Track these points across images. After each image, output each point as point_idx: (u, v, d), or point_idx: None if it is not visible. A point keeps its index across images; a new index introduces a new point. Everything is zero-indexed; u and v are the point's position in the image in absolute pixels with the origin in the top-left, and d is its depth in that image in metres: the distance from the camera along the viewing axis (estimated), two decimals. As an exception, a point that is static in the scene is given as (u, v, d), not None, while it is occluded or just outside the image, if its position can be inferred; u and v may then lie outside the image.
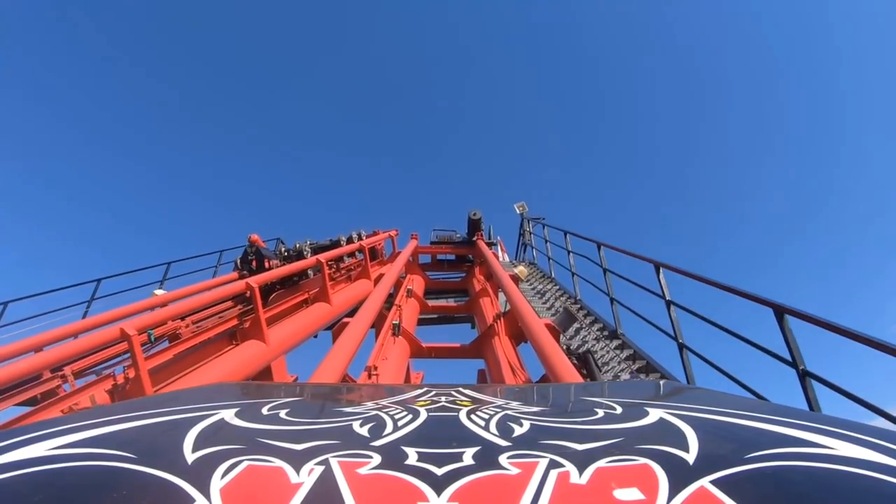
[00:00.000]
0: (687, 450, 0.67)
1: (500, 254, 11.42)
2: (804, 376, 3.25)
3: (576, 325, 6.77)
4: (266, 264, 7.92)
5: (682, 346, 4.80)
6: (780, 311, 3.42)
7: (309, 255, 8.23)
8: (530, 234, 12.54)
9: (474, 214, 10.43)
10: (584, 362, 4.73)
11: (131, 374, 4.16)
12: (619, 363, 5.69)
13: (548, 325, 4.01)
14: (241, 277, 7.34)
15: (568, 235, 8.85)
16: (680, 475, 0.57)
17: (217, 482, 0.56)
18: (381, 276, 6.94)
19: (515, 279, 6.71)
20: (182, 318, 5.96)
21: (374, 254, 9.76)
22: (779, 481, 0.58)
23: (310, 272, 7.75)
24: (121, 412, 0.89)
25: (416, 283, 8.39)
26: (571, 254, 8.49)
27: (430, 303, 8.24)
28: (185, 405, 0.98)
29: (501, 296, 6.77)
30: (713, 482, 0.55)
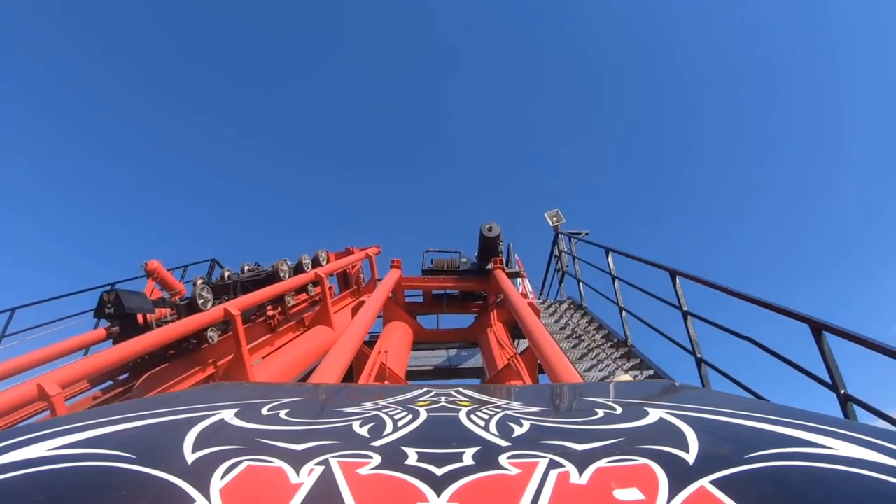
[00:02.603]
0: (687, 450, 0.67)
1: (522, 285, 8.16)
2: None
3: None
4: (140, 320, 4.46)
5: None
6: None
7: (209, 303, 4.54)
8: (572, 257, 8.02)
9: (489, 230, 6.57)
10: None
11: None
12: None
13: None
14: (111, 335, 4.76)
15: (610, 254, 6.31)
16: (680, 475, 0.57)
17: (217, 482, 0.56)
18: (360, 303, 4.47)
19: None
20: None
21: (346, 281, 7.41)
22: (779, 481, 0.58)
23: (209, 335, 4.65)
24: (121, 412, 0.89)
25: (399, 335, 5.65)
26: (617, 280, 6.11)
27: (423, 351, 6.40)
28: (185, 405, 0.98)
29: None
30: (713, 482, 0.55)
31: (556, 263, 8.88)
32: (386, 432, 0.81)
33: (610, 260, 6.35)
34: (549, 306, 7.66)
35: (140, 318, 4.45)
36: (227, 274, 5.93)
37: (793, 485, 0.57)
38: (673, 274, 4.79)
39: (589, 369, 5.25)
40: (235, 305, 4.25)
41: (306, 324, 6.06)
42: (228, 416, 0.90)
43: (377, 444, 0.74)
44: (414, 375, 6.24)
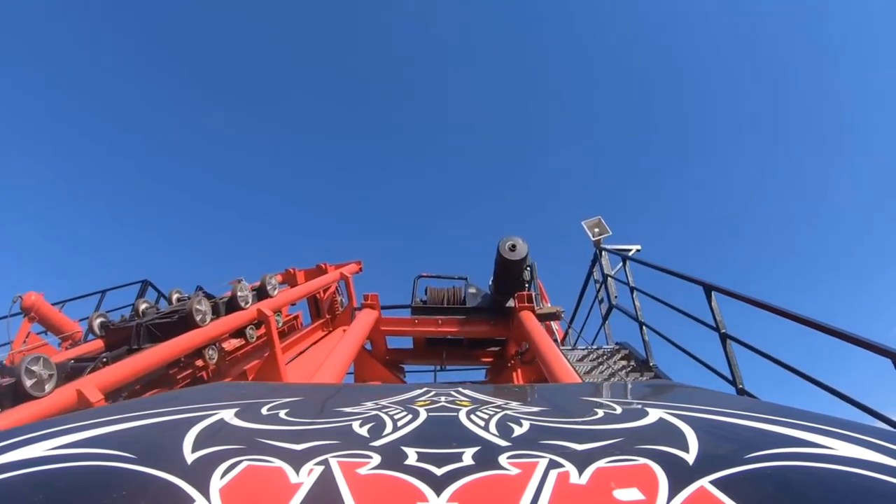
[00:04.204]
0: (687, 450, 0.67)
1: (558, 330, 6.02)
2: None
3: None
4: None
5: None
6: None
7: (46, 384, 2.33)
8: (631, 288, 4.99)
9: (512, 248, 4.74)
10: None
11: None
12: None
13: None
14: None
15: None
16: (680, 475, 0.57)
17: (217, 482, 0.56)
18: (338, 329, 3.54)
19: None
20: None
21: (317, 307, 5.48)
22: (778, 481, 0.58)
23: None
24: (120, 412, 0.89)
25: None
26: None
27: None
28: (185, 405, 0.98)
29: None
30: (713, 482, 0.55)
31: (598, 293, 5.83)
32: (386, 432, 0.81)
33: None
34: (592, 357, 4.87)
35: None
36: (142, 307, 3.98)
37: (792, 485, 0.57)
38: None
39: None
40: (167, 353, 2.94)
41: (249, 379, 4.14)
42: (228, 415, 0.90)
43: (377, 443, 0.74)
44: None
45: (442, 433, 0.86)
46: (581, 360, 4.72)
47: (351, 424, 0.86)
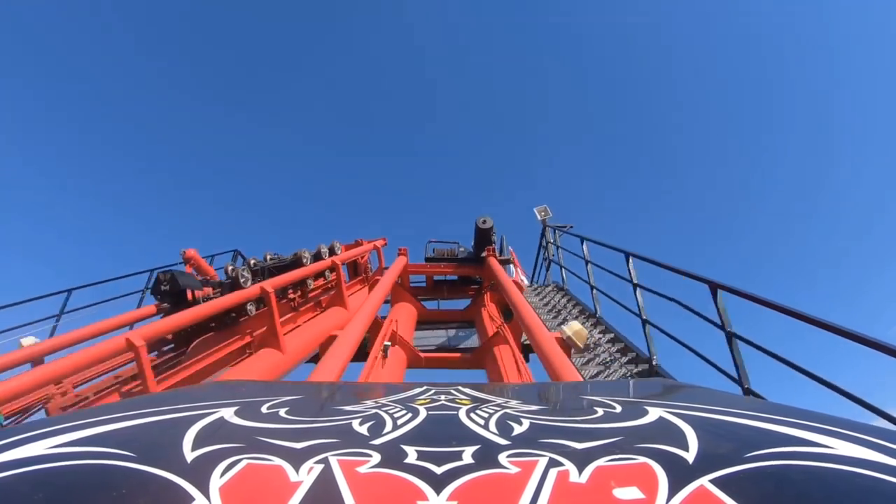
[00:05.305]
0: (686, 449, 0.67)
1: (515, 272, 8.77)
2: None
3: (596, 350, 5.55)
4: (189, 296, 5.29)
5: (748, 392, 3.53)
6: None
7: (248, 282, 5.45)
8: (556, 246, 8.84)
9: (483, 222, 7.64)
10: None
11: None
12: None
13: (557, 339, 3.42)
14: (161, 311, 5.55)
15: (585, 243, 6.99)
16: (679, 474, 0.57)
17: (216, 481, 0.56)
18: (376, 282, 5.73)
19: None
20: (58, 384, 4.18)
21: (355, 269, 8.18)
22: (778, 480, 0.58)
23: (248, 308, 5.41)
24: (120, 411, 0.89)
25: (405, 314, 6.67)
26: (589, 264, 6.77)
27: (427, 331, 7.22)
28: (185, 404, 0.98)
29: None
30: (713, 481, 0.55)
31: (544, 253, 9.77)
32: (385, 431, 0.81)
33: (583, 247, 7.04)
34: (536, 289, 8.61)
35: (189, 294, 5.30)
36: (252, 262, 6.47)
37: (793, 484, 0.57)
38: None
39: (559, 324, 6.35)
40: (270, 284, 5.03)
41: (323, 305, 6.91)
42: (228, 414, 0.90)
43: (377, 442, 0.74)
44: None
45: (442, 432, 0.86)
46: (530, 288, 8.53)
47: (351, 423, 0.86)
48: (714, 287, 3.82)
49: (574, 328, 3.85)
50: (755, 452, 0.64)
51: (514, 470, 0.61)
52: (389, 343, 5.06)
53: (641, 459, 0.63)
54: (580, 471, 0.60)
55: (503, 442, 0.74)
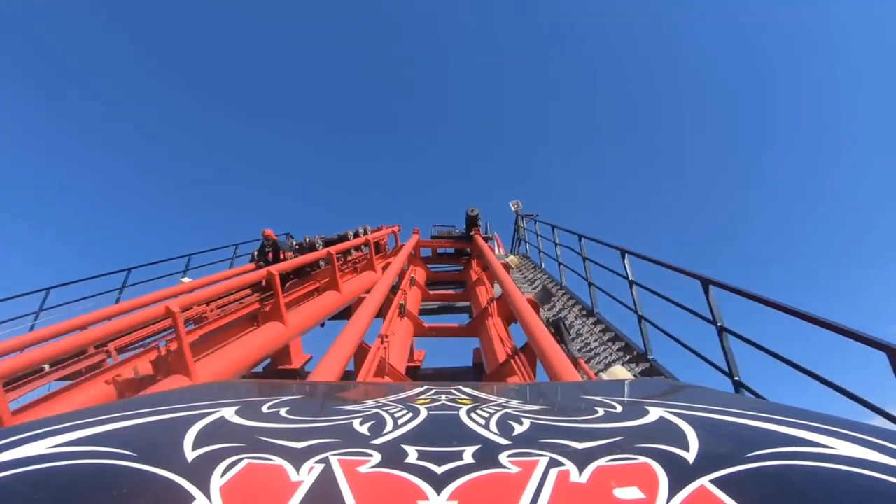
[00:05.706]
0: (687, 449, 0.67)
1: (496, 248, 12.39)
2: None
3: (556, 302, 7.68)
4: (281, 256, 8.85)
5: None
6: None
7: (321, 247, 9.26)
8: (524, 229, 13.06)
9: (472, 211, 11.59)
10: (555, 328, 5.38)
11: (173, 347, 4.44)
12: (593, 335, 6.14)
13: (529, 300, 4.90)
14: (258, 268, 8.01)
15: (556, 230, 9.33)
16: (680, 474, 0.57)
17: (217, 480, 0.56)
18: (387, 264, 8.41)
19: (507, 267, 8.27)
20: (207, 303, 6.61)
21: (377, 248, 10.66)
22: (779, 481, 0.57)
23: (321, 263, 8.50)
24: (120, 410, 0.89)
25: (418, 273, 9.39)
26: (558, 246, 8.96)
27: (431, 291, 9.29)
28: (185, 403, 0.98)
29: (497, 287, 7.35)
30: (713, 481, 0.55)
31: (516, 233, 14.05)
32: (386, 430, 0.81)
33: (554, 233, 9.26)
34: (506, 255, 12.25)
35: (281, 255, 8.89)
36: (307, 239, 10.18)
37: (793, 484, 0.57)
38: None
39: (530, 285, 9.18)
40: (334, 249, 7.85)
41: (358, 271, 9.62)
42: (228, 413, 0.90)
43: (377, 442, 0.74)
44: (423, 311, 8.51)
45: (442, 431, 0.86)
46: (506, 256, 11.59)
47: (351, 423, 0.86)
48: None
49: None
50: (756, 452, 0.64)
51: (514, 470, 0.61)
52: (404, 304, 6.59)
53: (642, 459, 0.63)
54: (580, 471, 0.60)
55: (504, 442, 0.74)
